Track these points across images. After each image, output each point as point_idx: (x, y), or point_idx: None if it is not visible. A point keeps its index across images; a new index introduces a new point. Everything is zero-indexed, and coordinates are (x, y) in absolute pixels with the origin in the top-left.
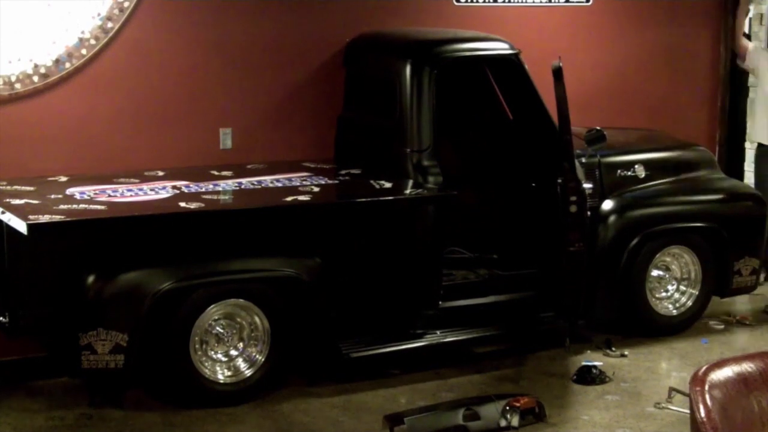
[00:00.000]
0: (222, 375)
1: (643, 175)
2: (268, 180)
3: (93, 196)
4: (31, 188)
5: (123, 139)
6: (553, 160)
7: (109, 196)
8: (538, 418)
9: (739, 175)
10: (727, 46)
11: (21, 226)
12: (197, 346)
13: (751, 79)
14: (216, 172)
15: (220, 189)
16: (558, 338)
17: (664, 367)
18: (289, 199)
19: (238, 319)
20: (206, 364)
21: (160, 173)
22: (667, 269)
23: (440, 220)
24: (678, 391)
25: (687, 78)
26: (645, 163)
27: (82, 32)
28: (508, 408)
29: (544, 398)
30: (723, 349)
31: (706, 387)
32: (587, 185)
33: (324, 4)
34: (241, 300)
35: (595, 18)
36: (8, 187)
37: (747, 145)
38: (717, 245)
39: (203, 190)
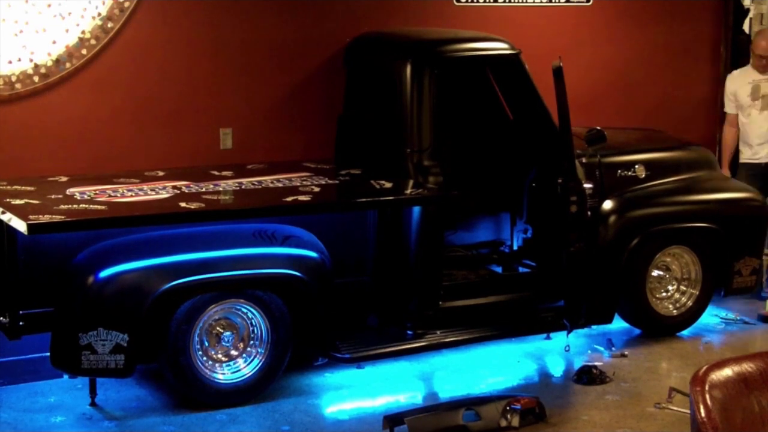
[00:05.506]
0: (222, 375)
1: (643, 175)
2: (268, 180)
3: (93, 196)
4: (32, 188)
5: (123, 139)
6: (553, 160)
7: (110, 196)
8: (539, 418)
9: None
10: (727, 45)
11: (21, 226)
12: (197, 346)
13: None
14: (216, 173)
15: (221, 189)
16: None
17: (665, 367)
18: (289, 199)
19: (239, 319)
20: (206, 363)
21: (161, 173)
22: (668, 269)
23: (440, 220)
24: (678, 391)
25: (687, 78)
26: (645, 163)
27: (83, 32)
28: (508, 408)
29: (544, 398)
30: (723, 349)
31: (707, 387)
32: (587, 185)
33: (324, 4)
34: (242, 300)
35: (596, 18)
36: (9, 187)
37: None
38: (717, 245)
39: (203, 190)
